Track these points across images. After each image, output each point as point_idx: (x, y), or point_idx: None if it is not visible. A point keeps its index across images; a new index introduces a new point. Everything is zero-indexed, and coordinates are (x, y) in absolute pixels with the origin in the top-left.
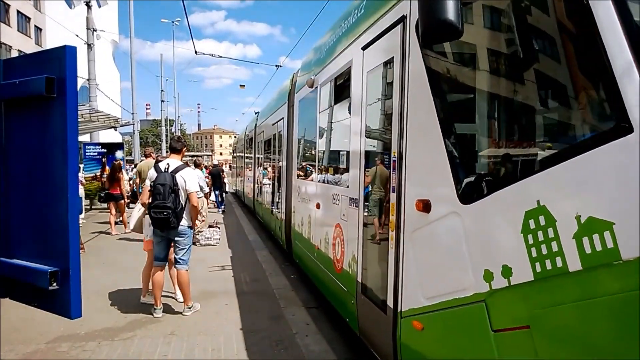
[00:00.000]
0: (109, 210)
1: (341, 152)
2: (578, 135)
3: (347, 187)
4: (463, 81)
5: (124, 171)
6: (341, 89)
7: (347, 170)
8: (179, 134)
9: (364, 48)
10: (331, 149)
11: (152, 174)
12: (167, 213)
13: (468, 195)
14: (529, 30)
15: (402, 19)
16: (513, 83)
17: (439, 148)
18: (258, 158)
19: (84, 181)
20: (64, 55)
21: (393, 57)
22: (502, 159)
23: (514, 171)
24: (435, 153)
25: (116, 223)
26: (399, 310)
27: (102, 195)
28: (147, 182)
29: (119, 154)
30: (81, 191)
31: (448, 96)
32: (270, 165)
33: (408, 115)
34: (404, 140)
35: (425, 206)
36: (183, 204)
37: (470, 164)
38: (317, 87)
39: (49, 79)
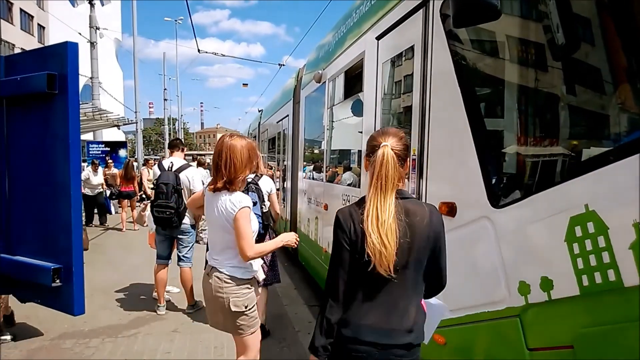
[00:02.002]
0: (121, 208)
1: (352, 151)
2: (636, 131)
3: (359, 187)
4: (495, 72)
5: (145, 169)
6: (352, 83)
7: (358, 169)
8: (182, 133)
9: (379, 37)
10: (340, 147)
11: (156, 171)
12: (169, 213)
13: (501, 198)
14: (573, 16)
15: (424, 3)
16: (554, 75)
17: (466, 146)
18: (262, 157)
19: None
20: (66, 52)
21: (413, 46)
22: (541, 158)
23: (556, 172)
24: (462, 151)
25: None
26: None
27: (114, 192)
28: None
29: (122, 152)
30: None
31: (478, 89)
32: (274, 164)
33: (430, 109)
34: (425, 137)
35: (449, 209)
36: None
37: (502, 163)
38: (325, 82)
39: (51, 75)
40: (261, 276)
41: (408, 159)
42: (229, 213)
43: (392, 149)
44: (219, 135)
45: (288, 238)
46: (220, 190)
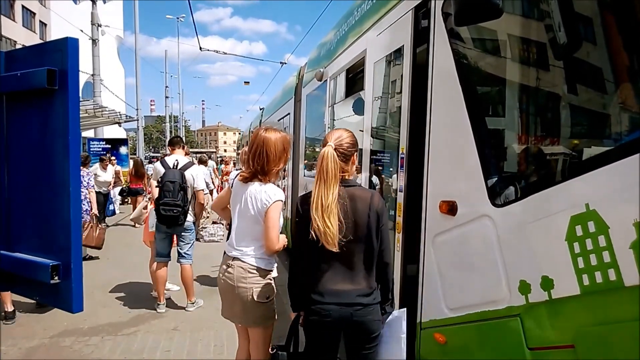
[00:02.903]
0: (131, 204)
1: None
2: (637, 130)
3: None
4: (496, 71)
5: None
6: (353, 81)
7: (359, 167)
8: (184, 131)
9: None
10: None
11: (160, 169)
12: (176, 211)
13: (501, 196)
14: (575, 15)
15: (422, 5)
16: (555, 74)
17: (467, 144)
18: None
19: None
20: (66, 47)
21: (402, 47)
22: (542, 156)
23: (557, 171)
24: (463, 150)
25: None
26: (417, 320)
27: (124, 189)
28: (152, 180)
29: (123, 149)
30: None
31: (479, 87)
32: None
33: (432, 108)
34: (426, 135)
35: (450, 208)
36: (189, 201)
37: (503, 162)
38: (326, 80)
39: (51, 71)
40: (275, 273)
41: (354, 155)
42: (263, 204)
43: (335, 149)
44: (220, 133)
45: (285, 242)
46: (251, 181)
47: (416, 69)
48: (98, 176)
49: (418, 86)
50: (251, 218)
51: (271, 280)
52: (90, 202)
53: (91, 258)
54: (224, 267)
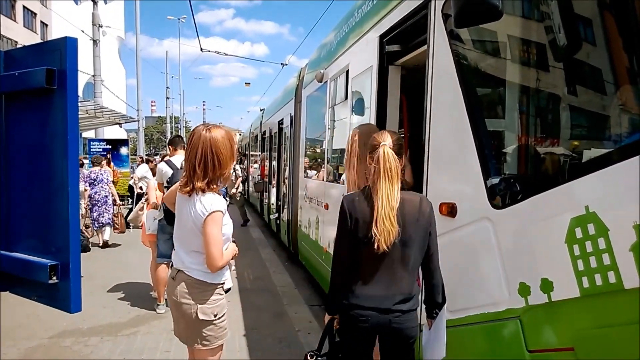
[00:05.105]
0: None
1: None
2: (637, 132)
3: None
4: (496, 72)
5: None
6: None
7: None
8: (184, 132)
9: (383, 37)
10: (342, 146)
11: (167, 170)
12: None
13: (501, 198)
14: (575, 16)
15: (427, 2)
16: (555, 75)
17: (467, 146)
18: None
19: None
20: (65, 47)
21: (371, 67)
22: (542, 158)
23: (557, 173)
24: (463, 151)
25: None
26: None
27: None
28: (153, 181)
29: (123, 150)
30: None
31: (479, 89)
32: (275, 163)
33: (432, 110)
34: (426, 137)
35: (450, 210)
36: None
37: (503, 164)
38: (326, 82)
39: (49, 70)
40: (229, 284)
41: (403, 156)
42: (198, 216)
43: (390, 147)
44: None
45: (236, 251)
46: (204, 192)
47: (380, 85)
48: (148, 178)
49: (382, 99)
50: (190, 230)
51: (221, 295)
52: (113, 195)
53: (107, 245)
54: (171, 280)
